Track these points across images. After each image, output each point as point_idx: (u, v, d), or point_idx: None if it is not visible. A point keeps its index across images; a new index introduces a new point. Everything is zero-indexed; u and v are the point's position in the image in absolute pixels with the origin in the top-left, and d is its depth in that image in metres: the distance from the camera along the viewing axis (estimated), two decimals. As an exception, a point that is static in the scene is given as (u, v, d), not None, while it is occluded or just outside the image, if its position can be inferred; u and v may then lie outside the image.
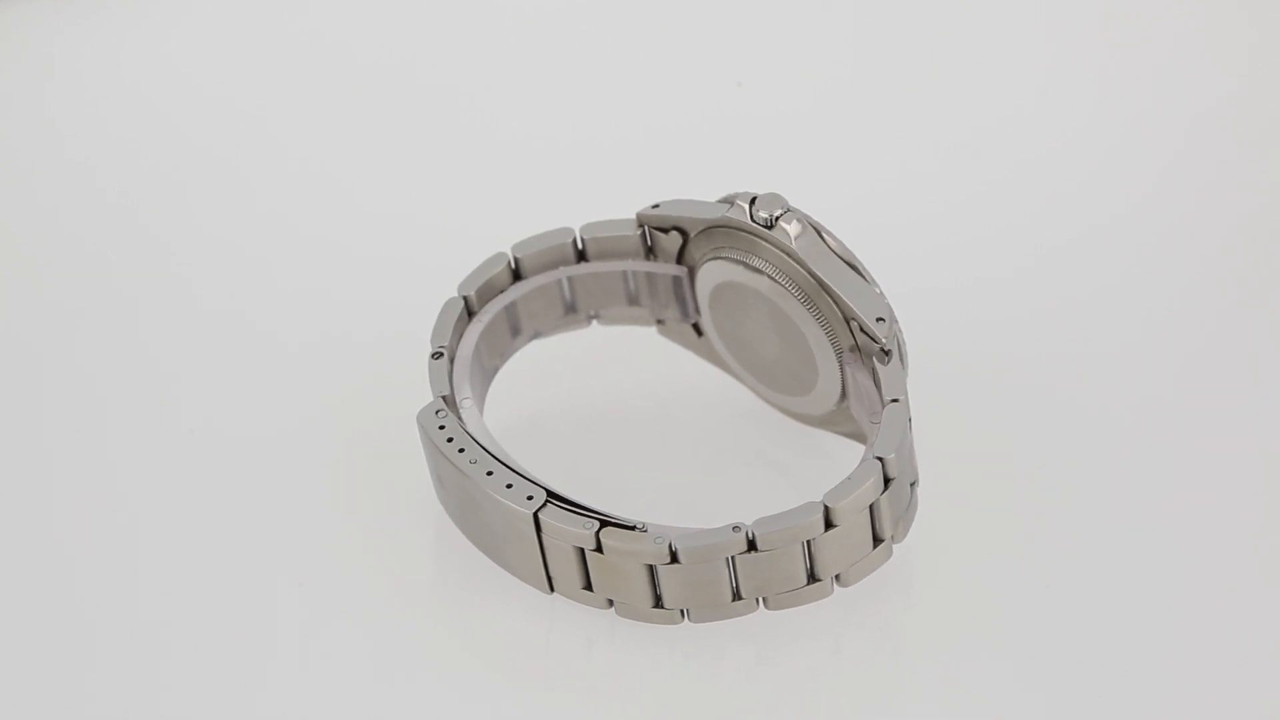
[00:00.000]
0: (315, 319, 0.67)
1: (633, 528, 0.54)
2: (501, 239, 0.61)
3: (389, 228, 0.70)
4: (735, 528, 0.54)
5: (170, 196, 0.72)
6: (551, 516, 0.55)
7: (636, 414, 0.63)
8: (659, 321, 0.62)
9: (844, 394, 0.58)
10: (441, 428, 0.57)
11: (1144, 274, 0.66)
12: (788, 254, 0.57)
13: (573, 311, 0.62)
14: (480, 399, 0.60)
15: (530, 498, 0.55)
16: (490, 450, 0.56)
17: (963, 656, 0.56)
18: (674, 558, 0.54)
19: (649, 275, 0.61)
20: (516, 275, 0.61)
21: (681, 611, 0.56)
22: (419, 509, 0.60)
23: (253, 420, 0.64)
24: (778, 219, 0.57)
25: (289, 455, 0.62)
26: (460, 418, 0.58)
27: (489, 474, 0.55)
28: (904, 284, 0.60)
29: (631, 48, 0.77)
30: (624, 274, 0.61)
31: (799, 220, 0.57)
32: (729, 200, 0.58)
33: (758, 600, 0.55)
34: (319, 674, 0.57)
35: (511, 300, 0.61)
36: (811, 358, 0.58)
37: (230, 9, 0.78)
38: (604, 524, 0.54)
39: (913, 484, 0.56)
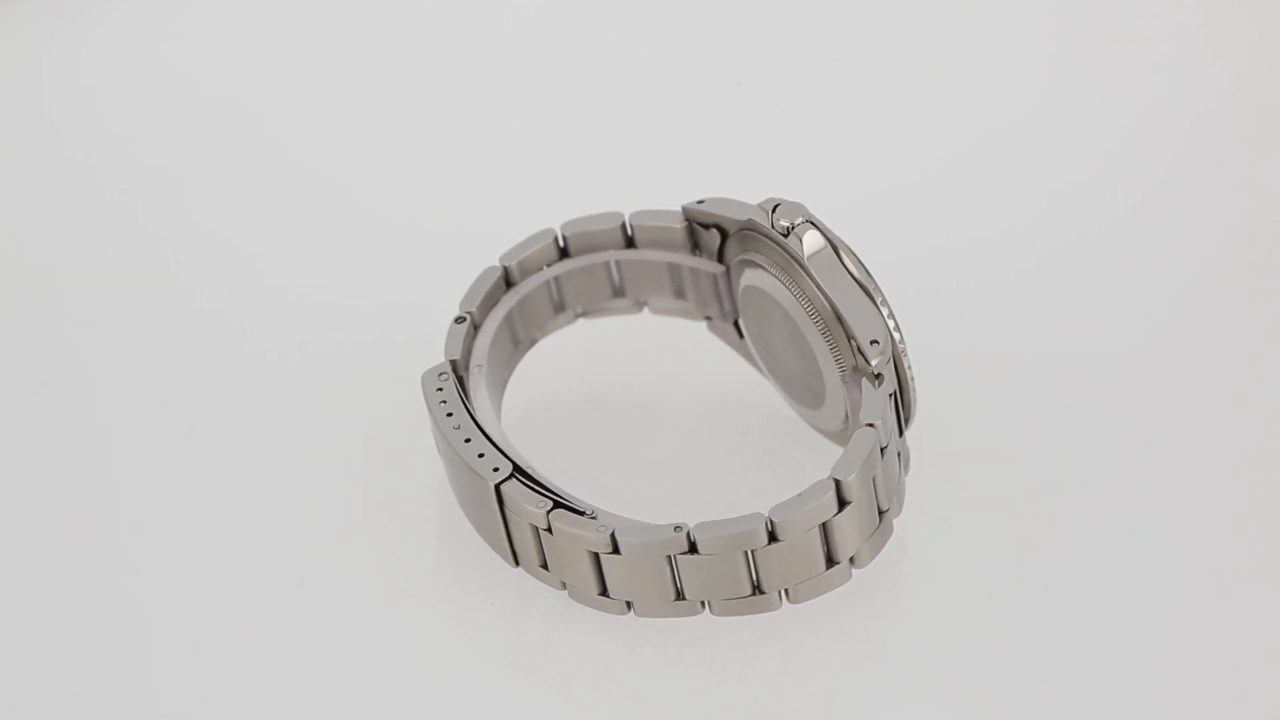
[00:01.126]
0: (315, 317, 0.67)
1: (582, 513, 0.55)
2: (502, 236, 0.61)
3: (389, 226, 0.70)
4: (677, 527, 0.54)
5: (169, 194, 0.71)
6: (512, 490, 0.55)
7: (671, 404, 0.63)
8: (707, 318, 0.62)
9: (846, 414, 0.58)
10: (439, 390, 0.57)
11: (1146, 275, 0.66)
12: (801, 265, 0.56)
13: (621, 295, 0.62)
14: (504, 368, 0.60)
15: (496, 469, 0.55)
16: (477, 418, 0.57)
17: (958, 656, 0.56)
18: (615, 548, 0.54)
19: (693, 270, 0.61)
20: (564, 253, 0.61)
21: (627, 603, 0.56)
22: (422, 508, 0.60)
23: (253, 420, 0.64)
24: (793, 229, 0.56)
25: (290, 454, 0.62)
26: (466, 383, 0.58)
27: (466, 441, 0.56)
28: (904, 285, 0.60)
29: (631, 46, 0.76)
30: (670, 265, 0.61)
31: (816, 233, 0.56)
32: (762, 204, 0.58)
33: (703, 603, 0.55)
34: (321, 673, 0.57)
35: (556, 275, 0.61)
36: (820, 373, 0.58)
37: (229, 5, 0.78)
38: (556, 505, 0.55)
39: (884, 511, 0.56)
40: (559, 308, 0.62)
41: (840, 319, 0.56)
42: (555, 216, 0.61)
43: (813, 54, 0.76)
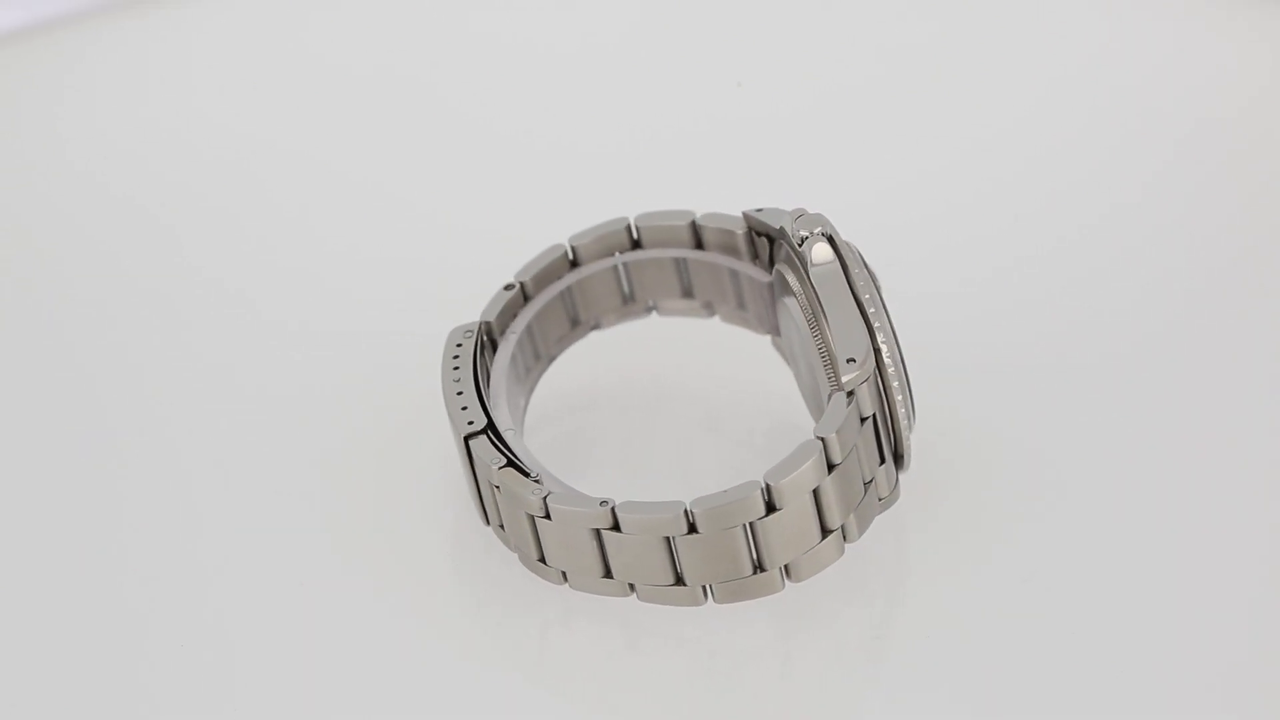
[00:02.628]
0: (321, 314, 0.68)
1: (528, 474, 0.55)
2: (508, 240, 0.62)
3: (395, 229, 0.71)
4: (603, 502, 0.54)
5: (182, 196, 0.72)
6: (477, 445, 0.55)
7: (728, 409, 0.63)
8: (769, 333, 0.61)
9: None
10: (459, 345, 0.58)
11: (1145, 275, 0.66)
12: (807, 276, 0.56)
13: (690, 296, 0.61)
14: (555, 344, 0.61)
15: (471, 423, 0.56)
16: (480, 379, 0.57)
17: (954, 658, 0.56)
18: (547, 513, 0.54)
19: (750, 279, 0.60)
20: (636, 244, 0.61)
21: (563, 573, 0.56)
22: (428, 508, 0.60)
23: (252, 420, 0.64)
24: (804, 240, 0.56)
25: (292, 455, 0.62)
26: (492, 347, 0.59)
27: (458, 394, 0.57)
28: (904, 286, 0.60)
29: (629, 49, 0.77)
30: (732, 272, 0.60)
31: (825, 245, 0.55)
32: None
33: (629, 585, 0.55)
34: (319, 672, 0.57)
35: (625, 263, 0.61)
36: (819, 390, 0.56)
37: (250, 29, 0.79)
38: (509, 463, 0.55)
39: (829, 530, 0.54)
40: (628, 298, 0.61)
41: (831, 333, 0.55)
42: (560, 218, 0.62)
43: (813, 56, 0.76)
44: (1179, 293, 0.65)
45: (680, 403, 0.63)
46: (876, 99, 0.74)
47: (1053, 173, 0.70)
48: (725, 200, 0.61)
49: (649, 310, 0.62)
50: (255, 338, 0.67)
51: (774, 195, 0.60)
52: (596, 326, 0.62)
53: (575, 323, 0.61)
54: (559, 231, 0.61)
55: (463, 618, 0.58)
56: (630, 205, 0.61)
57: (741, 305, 0.61)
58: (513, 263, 0.61)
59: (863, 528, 0.55)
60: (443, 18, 0.78)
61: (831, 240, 0.56)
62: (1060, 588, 0.57)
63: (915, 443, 0.57)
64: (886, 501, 0.56)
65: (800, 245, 0.56)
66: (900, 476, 0.56)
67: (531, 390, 0.61)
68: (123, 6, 0.79)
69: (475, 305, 0.60)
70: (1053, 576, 0.57)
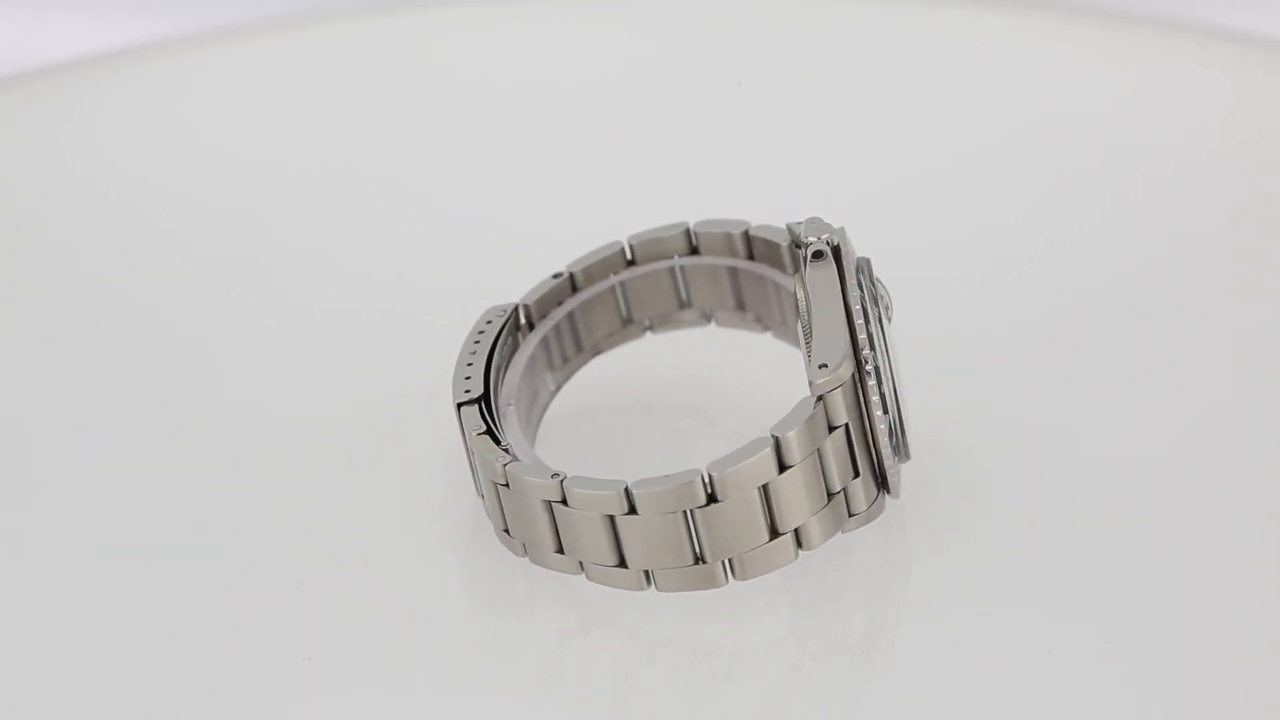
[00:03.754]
0: (333, 311, 0.68)
1: (499, 442, 0.55)
2: (504, 245, 0.63)
3: (398, 237, 0.71)
4: (554, 474, 0.53)
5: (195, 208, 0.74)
6: (466, 413, 0.56)
7: (767, 423, 0.61)
8: None
9: None
10: (489, 321, 0.58)
11: (1145, 280, 0.66)
12: (803, 281, 0.55)
13: (741, 309, 0.61)
14: (604, 339, 0.61)
15: (468, 391, 0.56)
16: (499, 354, 0.57)
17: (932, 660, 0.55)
18: (506, 481, 0.54)
19: (790, 293, 0.59)
20: (694, 250, 0.60)
21: (524, 545, 0.55)
22: (427, 507, 0.60)
23: (251, 420, 0.64)
24: (808, 245, 0.55)
25: (290, 454, 0.63)
26: (528, 329, 0.59)
27: (469, 364, 0.57)
28: (902, 284, 0.59)
29: (628, 50, 0.77)
30: (775, 285, 0.59)
31: (823, 252, 0.55)
32: None
33: (580, 563, 0.54)
34: (318, 671, 0.57)
35: (680, 266, 0.60)
36: None
37: (283, 49, 0.81)
38: (486, 431, 0.55)
39: (780, 532, 0.53)
40: (684, 303, 0.61)
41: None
42: (566, 223, 0.63)
43: (812, 57, 0.76)
44: (1183, 301, 0.65)
45: (728, 413, 0.63)
46: (876, 100, 0.74)
47: (1053, 172, 0.70)
48: (724, 202, 0.61)
49: (706, 319, 0.61)
50: (261, 336, 0.67)
51: (774, 195, 0.61)
52: (651, 328, 0.62)
53: (627, 321, 0.61)
54: (560, 233, 0.62)
55: (460, 614, 0.59)
56: (635, 206, 0.62)
57: (784, 321, 0.60)
58: (508, 262, 0.62)
59: (824, 536, 0.54)
60: (446, 30, 0.80)
61: (837, 249, 0.55)
62: (1055, 592, 0.56)
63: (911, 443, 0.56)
64: (863, 517, 0.55)
65: (804, 251, 0.55)
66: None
67: (567, 379, 0.61)
68: (143, 49, 0.82)
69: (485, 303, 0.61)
70: (1050, 584, 0.56)
